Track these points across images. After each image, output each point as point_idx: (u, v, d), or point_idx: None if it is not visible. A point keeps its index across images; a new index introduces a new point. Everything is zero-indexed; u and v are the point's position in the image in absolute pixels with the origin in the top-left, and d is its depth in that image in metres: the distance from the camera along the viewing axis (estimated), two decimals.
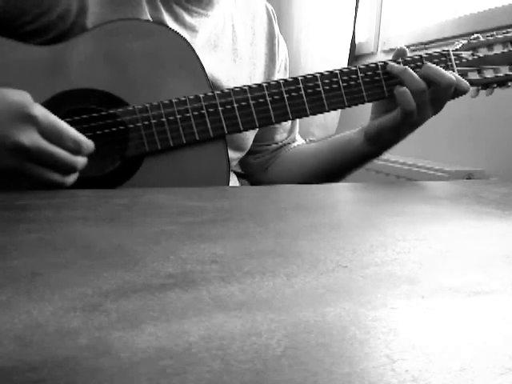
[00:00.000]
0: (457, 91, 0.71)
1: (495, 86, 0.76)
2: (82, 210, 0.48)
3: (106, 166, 0.67)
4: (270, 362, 0.19)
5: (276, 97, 0.70)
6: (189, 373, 0.18)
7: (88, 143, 0.60)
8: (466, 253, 0.36)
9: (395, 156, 1.57)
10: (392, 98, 0.72)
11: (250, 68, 0.82)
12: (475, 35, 0.76)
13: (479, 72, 0.75)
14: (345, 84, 0.71)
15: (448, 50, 0.74)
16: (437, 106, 0.71)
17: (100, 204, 0.52)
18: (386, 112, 0.74)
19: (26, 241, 0.35)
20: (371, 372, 0.19)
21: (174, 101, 0.66)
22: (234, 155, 0.80)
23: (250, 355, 0.19)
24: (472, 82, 0.74)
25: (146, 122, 0.66)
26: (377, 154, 0.79)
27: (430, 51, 0.75)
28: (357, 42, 1.99)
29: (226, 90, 0.68)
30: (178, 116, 0.67)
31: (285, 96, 0.70)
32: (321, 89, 0.71)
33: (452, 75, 0.70)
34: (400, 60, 0.72)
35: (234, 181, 0.88)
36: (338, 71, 0.71)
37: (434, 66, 0.70)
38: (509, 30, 0.76)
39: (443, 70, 0.70)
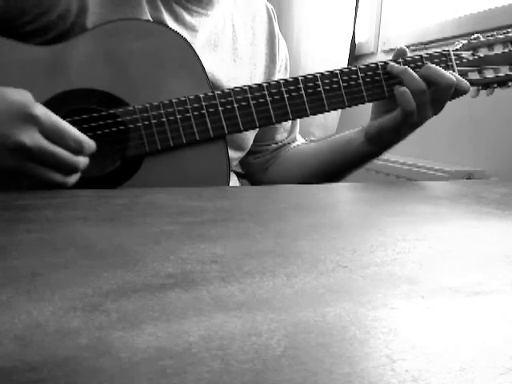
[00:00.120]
0: (457, 91, 0.71)
1: (495, 86, 0.76)
2: (82, 210, 0.48)
3: (107, 165, 0.67)
4: (270, 362, 0.19)
5: (276, 97, 0.70)
6: (189, 373, 0.18)
7: (90, 143, 0.60)
8: (466, 253, 0.36)
9: (395, 156, 1.57)
10: (392, 98, 0.72)
11: (251, 68, 0.82)
12: (475, 35, 0.76)
13: (479, 72, 0.75)
14: (345, 84, 0.71)
15: (448, 50, 0.74)
16: (437, 107, 0.71)
17: (100, 204, 0.52)
18: (387, 112, 0.74)
19: (26, 241, 0.35)
20: (371, 372, 0.19)
21: (174, 101, 0.66)
22: (234, 155, 0.80)
23: (250, 355, 0.19)
24: (472, 82, 0.74)
25: (146, 122, 0.66)
26: (377, 154, 0.79)
27: (430, 51, 0.75)
28: (357, 41, 1.99)
29: (226, 90, 0.68)
30: (178, 116, 0.66)
31: (285, 96, 0.70)
32: (321, 89, 0.71)
33: (452, 75, 0.70)
34: (400, 60, 0.72)
35: (234, 181, 0.88)
36: (338, 71, 0.71)
37: (434, 66, 0.70)
38: (509, 29, 0.76)
39: (443, 71, 0.70)
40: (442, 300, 0.26)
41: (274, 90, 0.70)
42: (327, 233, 0.40)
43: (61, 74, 0.64)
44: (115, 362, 0.19)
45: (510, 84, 0.76)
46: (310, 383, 0.18)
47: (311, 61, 1.91)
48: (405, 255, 0.34)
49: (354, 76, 0.71)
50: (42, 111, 0.56)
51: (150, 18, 0.70)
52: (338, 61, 1.90)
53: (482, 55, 0.75)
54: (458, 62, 0.74)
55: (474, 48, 0.75)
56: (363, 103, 0.73)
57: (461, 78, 0.72)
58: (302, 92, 0.70)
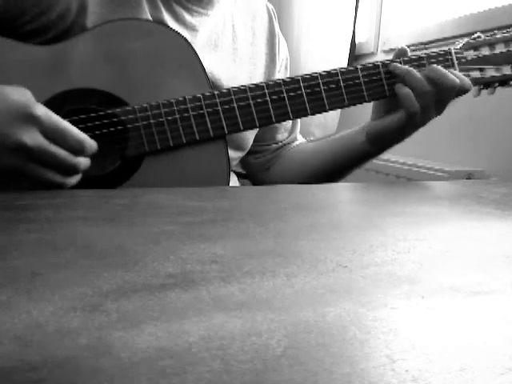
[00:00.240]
0: (459, 90, 0.71)
1: (497, 85, 0.76)
2: (82, 210, 0.48)
3: (106, 165, 0.67)
4: (270, 362, 0.19)
5: (276, 96, 0.70)
6: (189, 373, 0.18)
7: (91, 143, 0.60)
8: (466, 253, 0.36)
9: (395, 156, 1.57)
10: (393, 98, 0.72)
11: (251, 68, 0.82)
12: (477, 34, 0.76)
13: (481, 71, 0.75)
14: (345, 83, 0.71)
15: (450, 49, 0.74)
16: (440, 107, 0.71)
17: (100, 204, 0.52)
18: (387, 112, 0.74)
19: (26, 241, 0.35)
20: (371, 372, 0.19)
21: (173, 100, 0.66)
22: (234, 155, 0.80)
23: (250, 355, 0.19)
24: (474, 82, 0.74)
25: (146, 122, 0.66)
26: (377, 154, 0.79)
27: (430, 51, 0.75)
28: (357, 41, 1.99)
29: (226, 90, 0.68)
30: (178, 116, 0.66)
31: (285, 95, 0.70)
32: (321, 88, 0.71)
33: (455, 76, 0.70)
34: (401, 59, 0.72)
35: (234, 181, 0.88)
36: (338, 70, 0.71)
37: (438, 67, 0.70)
38: (510, 28, 0.75)
39: (447, 72, 0.70)
40: (442, 300, 0.26)
41: (273, 90, 0.70)
42: (327, 233, 0.40)
43: (60, 74, 0.64)
44: (115, 362, 0.19)
45: (511, 83, 0.76)
46: (309, 383, 0.18)
47: (311, 61, 1.91)
48: (405, 255, 0.34)
49: (354, 75, 0.71)
50: (42, 111, 0.56)
51: (150, 18, 0.70)
52: (338, 61, 1.90)
53: (483, 54, 0.75)
54: (459, 61, 0.74)
55: (475, 47, 0.75)
56: (364, 103, 0.73)
57: (462, 76, 0.71)
58: (302, 91, 0.70)
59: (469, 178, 1.30)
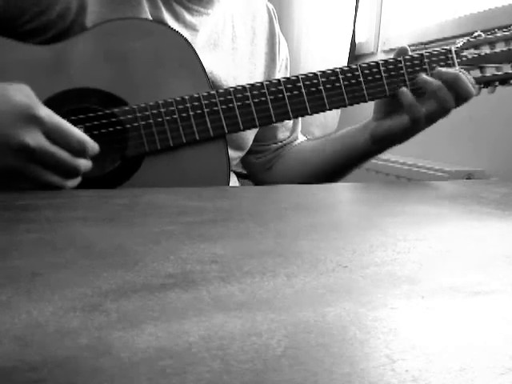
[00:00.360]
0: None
1: (497, 84, 0.76)
2: (82, 210, 0.48)
3: (106, 165, 0.67)
4: (270, 361, 0.19)
5: (276, 96, 0.70)
6: (189, 373, 0.18)
7: (93, 145, 0.60)
8: (466, 253, 0.36)
9: (395, 156, 1.57)
10: (393, 98, 0.72)
11: (251, 68, 0.82)
12: (477, 33, 0.76)
13: (481, 70, 0.75)
14: (346, 82, 0.71)
15: (450, 48, 0.74)
16: (447, 113, 0.72)
17: (100, 204, 0.52)
18: (390, 112, 0.74)
19: (26, 241, 0.35)
20: (371, 372, 0.19)
21: (173, 100, 0.66)
22: (234, 154, 0.80)
23: (250, 355, 0.19)
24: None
25: (146, 122, 0.66)
26: (379, 152, 0.80)
27: (430, 50, 0.75)
28: (357, 41, 1.99)
29: (226, 89, 0.68)
30: (178, 115, 0.66)
31: (285, 95, 0.70)
32: (321, 87, 0.70)
33: (473, 88, 0.70)
34: (401, 58, 0.72)
35: (233, 181, 0.88)
36: (338, 69, 0.71)
37: (466, 81, 0.70)
38: (510, 27, 0.75)
39: (470, 85, 0.70)
40: (442, 300, 0.26)
41: (273, 89, 0.70)
42: (327, 233, 0.40)
43: (60, 74, 0.64)
44: (115, 362, 0.19)
45: (511, 82, 0.76)
46: (309, 383, 0.18)
47: (311, 61, 1.91)
48: (405, 255, 0.34)
49: (354, 74, 0.71)
50: (45, 112, 0.56)
51: (150, 17, 0.70)
52: (338, 61, 1.90)
53: (483, 53, 0.74)
54: (459, 60, 0.74)
55: (475, 46, 0.75)
56: (364, 102, 0.73)
57: (470, 77, 0.72)
58: (303, 91, 0.70)
59: (469, 178, 1.30)
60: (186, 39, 0.68)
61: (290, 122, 0.92)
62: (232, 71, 0.79)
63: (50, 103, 0.62)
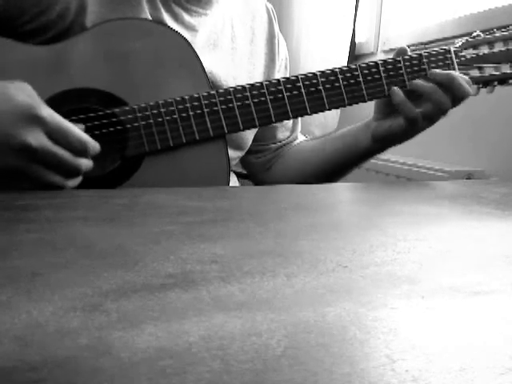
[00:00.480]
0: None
1: (496, 83, 0.76)
2: (82, 210, 0.48)
3: (107, 165, 0.67)
4: (270, 362, 0.19)
5: (276, 96, 0.70)
6: (189, 373, 0.18)
7: (94, 144, 0.60)
8: (466, 253, 0.36)
9: (395, 156, 1.56)
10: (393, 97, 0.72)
11: (250, 68, 0.82)
12: (476, 33, 0.76)
13: (480, 69, 0.75)
14: (345, 82, 0.71)
15: (449, 48, 0.74)
16: (444, 113, 0.72)
17: (100, 204, 0.52)
18: (390, 113, 0.74)
19: (26, 241, 0.35)
20: (371, 372, 0.19)
21: (173, 100, 0.66)
22: (233, 154, 0.80)
23: (250, 355, 0.19)
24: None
25: (146, 122, 0.66)
26: (380, 151, 0.80)
27: (429, 50, 0.75)
28: (357, 41, 1.99)
29: (226, 89, 0.68)
30: (178, 115, 0.66)
31: (285, 94, 0.70)
32: (321, 87, 0.70)
33: (469, 89, 0.70)
34: (401, 58, 0.72)
35: (233, 181, 0.88)
36: (337, 69, 0.71)
37: (461, 81, 0.70)
38: (509, 27, 0.75)
39: (467, 86, 0.70)
40: (442, 300, 0.26)
41: (273, 89, 0.70)
42: (327, 233, 0.40)
43: (60, 74, 0.64)
44: (115, 362, 0.19)
45: (510, 81, 0.76)
46: (309, 383, 0.18)
47: (311, 61, 1.91)
48: (405, 255, 0.34)
49: (353, 74, 0.71)
50: (47, 112, 0.56)
51: (150, 18, 0.70)
52: (338, 61, 1.90)
53: (482, 53, 0.75)
54: (458, 60, 0.74)
55: (474, 46, 0.75)
56: (363, 102, 0.73)
57: (466, 77, 0.72)
58: (302, 90, 0.70)
59: (469, 178, 1.30)
60: (185, 39, 0.68)
61: (289, 122, 0.92)
62: (231, 71, 0.79)
63: (50, 103, 0.62)
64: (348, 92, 0.71)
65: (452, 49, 0.74)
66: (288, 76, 0.73)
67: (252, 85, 0.69)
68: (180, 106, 0.66)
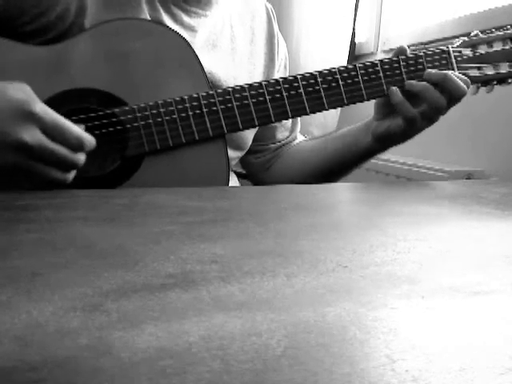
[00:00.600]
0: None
1: (495, 83, 0.76)
2: (82, 210, 0.48)
3: (106, 165, 0.67)
4: (270, 362, 0.19)
5: (275, 95, 0.70)
6: (189, 373, 0.18)
7: (90, 139, 0.60)
8: (465, 253, 0.36)
9: (395, 156, 1.56)
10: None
11: (250, 68, 0.82)
12: (475, 32, 0.76)
13: (479, 69, 0.75)
14: (344, 82, 0.71)
15: (447, 48, 0.74)
16: (440, 112, 0.72)
17: (100, 204, 0.52)
18: (390, 112, 0.74)
19: (26, 241, 0.35)
20: (371, 372, 0.19)
21: (172, 100, 0.66)
22: (233, 154, 0.80)
23: (250, 355, 0.19)
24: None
25: (146, 122, 0.66)
26: (381, 151, 0.80)
27: (428, 50, 0.75)
28: (357, 41, 1.99)
29: (225, 89, 0.68)
30: (177, 115, 0.66)
31: (284, 94, 0.70)
32: (320, 87, 0.71)
33: (465, 86, 0.70)
34: (399, 58, 0.72)
35: (234, 181, 0.88)
36: (336, 69, 0.71)
37: (456, 80, 0.70)
38: (508, 26, 0.76)
39: (461, 83, 0.70)
40: (442, 300, 0.26)
41: (272, 89, 0.70)
42: (327, 233, 0.40)
43: (60, 74, 0.64)
44: (115, 362, 0.19)
45: (509, 81, 0.76)
46: (309, 383, 0.18)
47: (311, 61, 1.90)
48: (405, 255, 0.34)
49: (352, 74, 0.71)
50: (41, 108, 0.56)
51: (149, 19, 0.70)
52: (338, 61, 1.89)
53: (481, 52, 0.75)
54: (457, 59, 0.74)
55: (473, 45, 0.75)
56: (362, 101, 0.73)
57: (463, 77, 0.72)
58: (301, 90, 0.70)
59: (469, 178, 1.30)
60: (185, 39, 0.68)
61: (288, 122, 0.92)
62: (231, 71, 0.79)
63: (50, 103, 0.62)
64: (347, 92, 0.71)
65: (451, 48, 0.74)
66: (287, 76, 0.73)
67: (251, 85, 0.69)
68: (179, 106, 0.66)
